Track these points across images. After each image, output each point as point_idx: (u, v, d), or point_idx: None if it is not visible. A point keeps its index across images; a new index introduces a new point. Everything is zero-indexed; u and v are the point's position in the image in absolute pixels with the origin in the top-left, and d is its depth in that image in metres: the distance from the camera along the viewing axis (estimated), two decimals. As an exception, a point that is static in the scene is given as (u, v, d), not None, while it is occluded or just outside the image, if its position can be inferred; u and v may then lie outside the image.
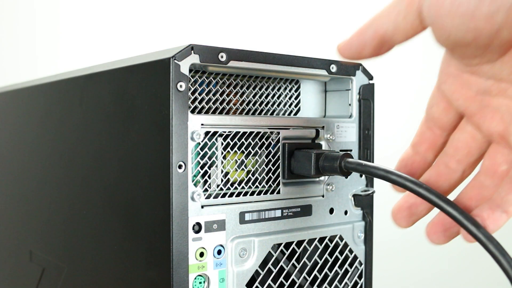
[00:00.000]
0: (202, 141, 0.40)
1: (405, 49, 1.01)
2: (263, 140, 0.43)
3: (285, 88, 0.48)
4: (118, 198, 0.44)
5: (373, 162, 0.48)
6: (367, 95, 0.48)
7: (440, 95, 0.34)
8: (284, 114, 0.48)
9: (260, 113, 0.46)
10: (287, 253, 0.44)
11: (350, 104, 0.48)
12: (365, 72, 0.48)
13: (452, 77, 0.32)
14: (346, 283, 0.47)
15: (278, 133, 0.44)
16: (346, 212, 0.47)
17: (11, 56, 0.90)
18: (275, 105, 0.47)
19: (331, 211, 0.47)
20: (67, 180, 0.51)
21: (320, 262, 0.45)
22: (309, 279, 0.45)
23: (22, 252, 0.60)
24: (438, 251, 1.14)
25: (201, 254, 0.39)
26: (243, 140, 0.42)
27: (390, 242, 1.03)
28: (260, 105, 0.46)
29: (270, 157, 0.43)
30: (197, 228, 0.39)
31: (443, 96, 0.33)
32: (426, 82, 1.12)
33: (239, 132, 0.42)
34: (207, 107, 0.42)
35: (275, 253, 0.43)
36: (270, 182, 0.44)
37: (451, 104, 0.33)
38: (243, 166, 0.43)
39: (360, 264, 0.48)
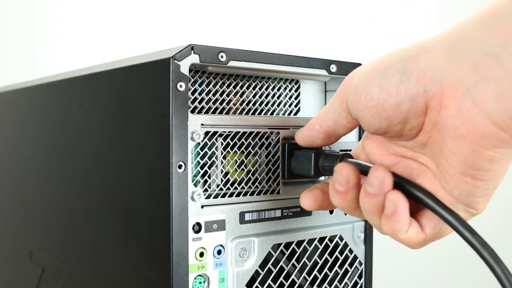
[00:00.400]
0: (202, 141, 0.40)
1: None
2: (263, 140, 0.43)
3: (285, 88, 0.48)
4: (118, 198, 0.44)
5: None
6: (367, 95, 0.48)
7: (362, 147, 0.38)
8: (284, 114, 0.48)
9: (260, 113, 0.46)
10: (287, 253, 0.44)
11: (350, 104, 0.48)
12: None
13: (375, 137, 0.37)
14: (346, 283, 0.47)
15: (278, 133, 0.44)
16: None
17: (11, 56, 0.90)
18: (275, 105, 0.47)
19: (331, 211, 0.47)
20: (67, 180, 0.51)
21: (320, 262, 0.45)
22: (309, 279, 0.45)
23: (22, 252, 0.60)
24: (438, 251, 1.14)
25: (201, 254, 0.39)
26: (243, 140, 0.42)
27: (390, 242, 1.03)
28: (260, 105, 0.46)
29: (270, 157, 0.43)
30: (197, 228, 0.39)
31: (364, 149, 0.38)
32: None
33: (239, 132, 0.42)
34: (207, 107, 0.42)
35: (275, 253, 0.43)
36: (270, 182, 0.44)
37: (369, 157, 0.38)
38: (243, 166, 0.43)
39: (360, 264, 0.48)
